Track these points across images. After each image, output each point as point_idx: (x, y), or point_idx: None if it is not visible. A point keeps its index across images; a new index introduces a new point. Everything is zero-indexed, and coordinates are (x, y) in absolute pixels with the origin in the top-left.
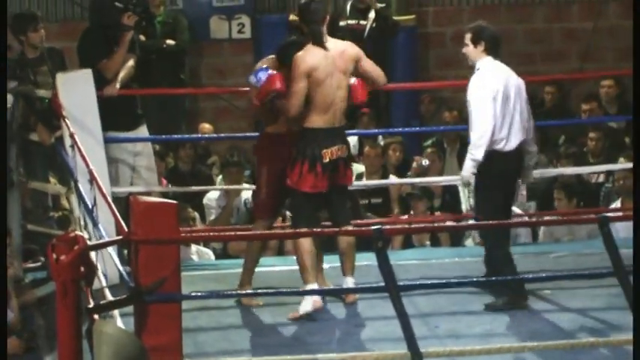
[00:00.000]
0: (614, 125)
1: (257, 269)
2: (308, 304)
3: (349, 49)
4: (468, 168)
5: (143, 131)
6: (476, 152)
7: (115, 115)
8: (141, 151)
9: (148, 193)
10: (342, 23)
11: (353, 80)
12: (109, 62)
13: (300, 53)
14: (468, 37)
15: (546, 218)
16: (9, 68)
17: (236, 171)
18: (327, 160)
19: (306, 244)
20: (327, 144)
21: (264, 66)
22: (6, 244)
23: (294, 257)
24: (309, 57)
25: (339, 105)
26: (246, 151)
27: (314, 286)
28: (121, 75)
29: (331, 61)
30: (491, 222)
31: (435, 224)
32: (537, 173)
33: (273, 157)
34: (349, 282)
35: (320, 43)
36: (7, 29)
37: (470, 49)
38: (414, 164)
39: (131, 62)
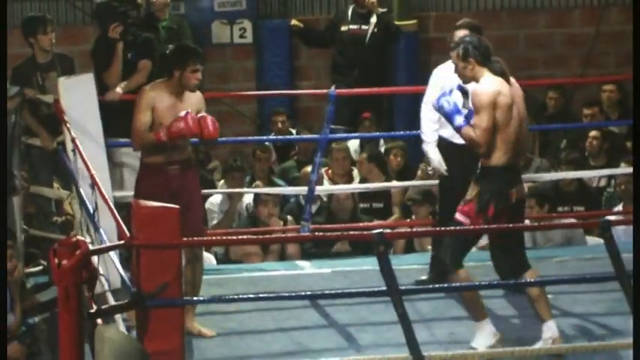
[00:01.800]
0: (616, 130)
1: (259, 274)
2: (486, 339)
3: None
4: None
5: None
6: None
7: (125, 121)
8: None
9: None
10: (343, 28)
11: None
12: (107, 72)
13: (477, 85)
14: None
15: (543, 223)
16: (13, 73)
17: (238, 176)
18: (514, 200)
19: (464, 277)
20: (513, 183)
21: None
22: (7, 250)
23: (296, 261)
24: (491, 85)
25: (523, 141)
26: (247, 156)
27: (487, 323)
28: (131, 81)
29: (512, 90)
30: (496, 225)
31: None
32: (538, 177)
33: (156, 189)
34: (551, 326)
35: (499, 75)
36: (6, 31)
37: None
38: (419, 172)
39: (144, 68)
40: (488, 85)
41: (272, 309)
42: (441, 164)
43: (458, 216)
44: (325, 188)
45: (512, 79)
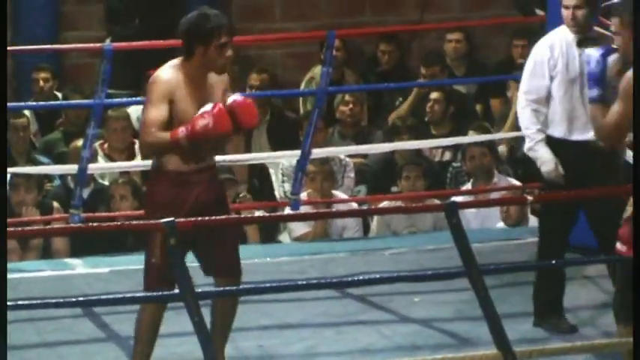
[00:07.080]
0: (463, 90)
1: (17, 275)
2: None
3: None
4: None
5: None
6: None
7: None
8: None
9: None
10: None
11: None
12: None
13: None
14: None
15: (381, 205)
16: None
17: None
18: None
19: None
20: None
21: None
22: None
23: (65, 260)
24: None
25: None
26: None
27: None
28: None
29: None
30: (320, 211)
31: (242, 215)
32: (368, 149)
33: (177, 205)
34: None
35: None
36: (6, 32)
37: None
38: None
39: None
40: None
41: (35, 319)
42: (557, 166)
43: (619, 246)
44: (100, 166)
45: None
